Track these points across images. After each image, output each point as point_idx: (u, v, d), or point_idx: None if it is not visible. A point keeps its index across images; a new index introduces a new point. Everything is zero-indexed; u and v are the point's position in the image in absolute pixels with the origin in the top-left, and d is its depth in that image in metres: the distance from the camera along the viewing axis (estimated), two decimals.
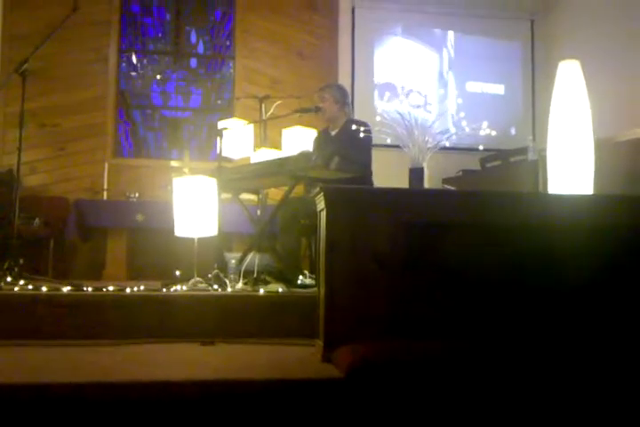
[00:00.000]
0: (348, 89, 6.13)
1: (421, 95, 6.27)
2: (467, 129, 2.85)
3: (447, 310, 2.24)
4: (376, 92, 6.33)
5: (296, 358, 2.26)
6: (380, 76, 6.39)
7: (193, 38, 6.62)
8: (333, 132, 4.22)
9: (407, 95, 6.05)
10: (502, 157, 4.95)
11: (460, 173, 5.45)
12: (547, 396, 1.90)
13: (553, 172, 2.85)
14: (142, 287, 3.03)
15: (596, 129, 2.87)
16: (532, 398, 1.89)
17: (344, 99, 4.22)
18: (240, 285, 3.19)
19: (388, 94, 5.23)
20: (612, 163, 3.42)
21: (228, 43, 6.60)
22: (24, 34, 5.59)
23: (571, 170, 2.79)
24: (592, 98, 2.87)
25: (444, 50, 6.55)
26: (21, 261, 3.36)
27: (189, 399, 1.79)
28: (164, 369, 2.01)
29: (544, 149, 3.20)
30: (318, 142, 4.28)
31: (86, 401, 1.75)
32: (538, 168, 4.04)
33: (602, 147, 3.03)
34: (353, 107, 5.03)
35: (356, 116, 4.71)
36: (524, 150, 4.62)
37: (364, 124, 3.61)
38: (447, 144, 2.83)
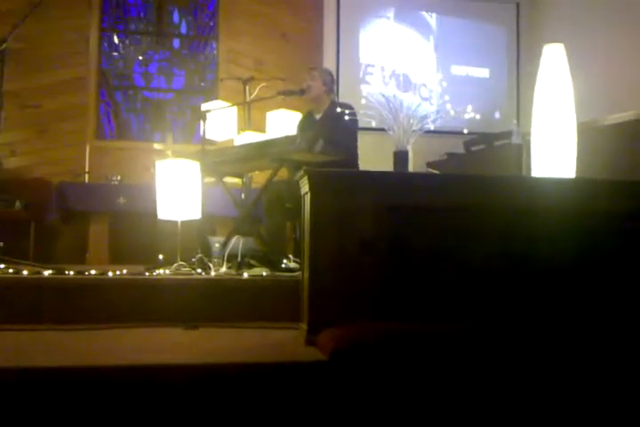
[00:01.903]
0: (333, 71, 6.11)
1: (407, 78, 6.24)
2: (451, 112, 2.84)
3: (431, 293, 2.25)
4: (361, 75, 6.29)
5: (280, 342, 2.26)
6: (365, 59, 6.34)
7: (176, 18, 6.53)
8: (318, 116, 4.20)
9: (391, 78, 6.03)
10: (486, 141, 4.97)
11: (445, 156, 5.46)
12: (531, 374, 1.92)
13: (536, 155, 2.86)
14: (125, 271, 3.01)
15: (579, 113, 2.88)
16: (515, 378, 1.91)
17: (331, 84, 4.22)
18: (224, 269, 3.18)
19: (372, 77, 5.21)
20: (595, 147, 3.44)
21: (211, 23, 6.52)
22: (2, 12, 5.47)
23: (554, 153, 2.80)
24: (575, 82, 2.87)
25: (429, 33, 6.52)
26: (1, 244, 3.32)
27: (173, 383, 1.79)
28: (146, 353, 2.01)
29: (528, 133, 3.21)
30: (302, 125, 4.25)
31: (66, 385, 1.74)
32: (522, 152, 4.07)
33: (584, 131, 3.04)
34: (338, 90, 5.01)
35: (341, 99, 4.68)
36: (508, 134, 4.64)
37: (350, 107, 3.59)
38: (432, 127, 2.82)
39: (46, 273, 2.87)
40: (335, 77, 4.56)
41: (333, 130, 3.78)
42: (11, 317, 2.56)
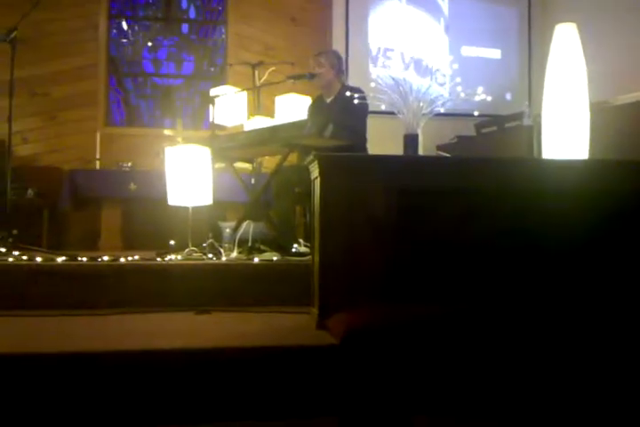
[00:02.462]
0: (343, 55, 6.05)
1: (417, 61, 6.18)
2: (462, 94, 2.81)
3: (441, 276, 2.25)
4: (370, 59, 6.24)
5: (291, 326, 2.27)
6: (374, 42, 6.29)
7: (184, 3, 6.50)
8: (328, 100, 4.17)
9: (402, 61, 5.97)
10: (497, 123, 4.92)
11: (455, 139, 5.42)
12: (540, 354, 1.92)
13: (548, 137, 2.83)
14: (137, 257, 3.03)
15: (592, 93, 2.84)
16: (527, 359, 1.91)
17: (340, 65, 4.17)
18: (235, 253, 3.19)
19: (382, 60, 5.16)
20: (607, 127, 3.40)
21: (219, 8, 6.48)
22: (11, 1, 5.46)
23: (566, 135, 2.77)
24: (588, 62, 2.83)
25: (440, 14, 6.44)
26: (15, 231, 3.35)
27: (185, 368, 1.80)
28: (158, 338, 2.02)
29: (539, 115, 3.18)
30: (313, 110, 4.23)
31: (79, 370, 1.76)
32: (533, 133, 4.02)
33: (597, 111, 3.00)
34: (347, 73, 4.98)
35: (351, 83, 4.65)
36: (519, 116, 4.59)
37: (360, 91, 3.56)
38: (442, 110, 2.79)
39: (59, 260, 2.90)
40: (344, 59, 4.51)
41: (343, 114, 3.76)
42: (24, 303, 2.59)
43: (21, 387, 1.73)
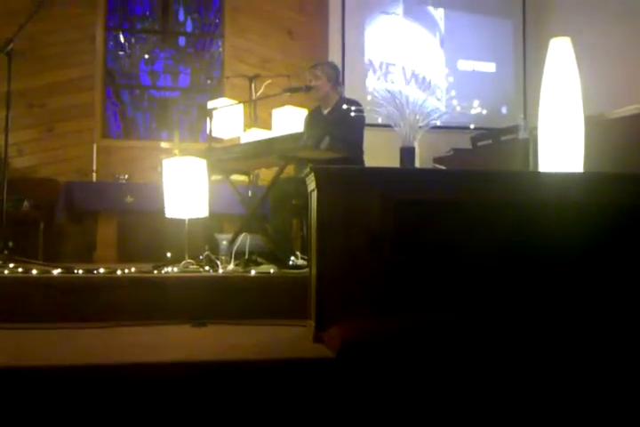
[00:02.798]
0: (339, 68, 6.08)
1: (413, 74, 6.22)
2: (458, 108, 2.83)
3: (439, 288, 2.25)
4: (366, 72, 6.28)
5: (288, 339, 2.26)
6: (371, 55, 6.33)
7: (181, 16, 6.53)
8: (325, 111, 4.19)
9: (397, 74, 6.01)
10: (493, 136, 4.94)
11: (451, 151, 5.43)
12: (538, 367, 1.91)
13: (544, 150, 2.84)
14: (133, 269, 3.02)
15: (586, 107, 2.86)
16: (525, 372, 1.91)
17: (336, 77, 4.19)
18: (231, 266, 3.19)
19: (378, 73, 5.19)
20: (602, 141, 3.41)
21: (216, 21, 6.52)
22: (8, 12, 5.48)
23: (561, 148, 2.78)
24: (582, 76, 2.85)
25: (436, 28, 6.49)
26: (11, 244, 3.33)
27: (181, 381, 1.79)
28: (155, 351, 2.02)
29: (535, 128, 3.19)
30: (309, 121, 4.25)
31: (76, 383, 1.75)
32: (529, 147, 4.04)
33: (592, 125, 3.02)
34: (344, 85, 5.00)
35: (347, 95, 4.67)
36: (514, 129, 4.61)
37: (357, 104, 3.58)
38: (438, 123, 2.81)
39: (55, 272, 2.89)
40: (340, 71, 4.53)
41: (340, 126, 3.77)
42: (20, 315, 2.57)
43: (12, 401, 1.72)
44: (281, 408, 1.83)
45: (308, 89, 4.08)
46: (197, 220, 3.54)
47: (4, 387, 1.72)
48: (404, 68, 6.24)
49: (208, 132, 3.63)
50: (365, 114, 3.35)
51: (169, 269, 3.13)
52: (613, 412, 1.90)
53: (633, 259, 2.36)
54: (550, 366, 1.93)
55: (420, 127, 2.76)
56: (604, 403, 1.91)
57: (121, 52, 6.39)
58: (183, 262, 3.27)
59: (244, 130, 4.65)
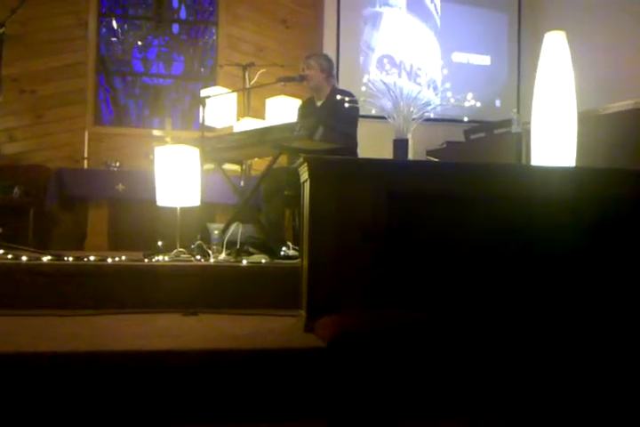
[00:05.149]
0: (333, 58, 6.05)
1: (408, 66, 6.21)
2: (452, 100, 2.83)
3: (430, 280, 2.26)
4: (361, 62, 6.26)
5: (279, 329, 2.27)
6: (365, 45, 6.31)
7: (175, 3, 6.49)
8: (319, 103, 4.18)
9: (392, 65, 5.99)
10: (486, 129, 4.95)
11: (445, 144, 5.45)
12: (527, 360, 1.93)
13: (536, 144, 2.85)
14: (124, 257, 3.02)
15: (580, 102, 2.86)
16: (512, 365, 1.92)
17: (330, 69, 4.18)
18: (223, 255, 3.18)
19: (373, 64, 5.18)
20: (595, 135, 3.43)
21: (210, 8, 6.47)
22: None
23: (554, 142, 2.79)
24: (577, 70, 2.86)
25: (431, 19, 6.48)
26: (0, 230, 3.32)
27: (171, 369, 1.79)
28: (145, 339, 2.01)
29: (528, 122, 3.20)
30: (303, 111, 4.24)
31: (65, 371, 1.74)
32: (521, 140, 4.05)
33: (585, 120, 3.03)
34: (338, 77, 4.98)
35: (341, 86, 4.66)
36: (508, 122, 4.62)
37: (350, 95, 3.57)
38: (432, 115, 2.81)
39: (45, 259, 2.88)
40: (335, 62, 4.51)
41: (334, 117, 3.76)
42: (10, 302, 2.56)
43: (4, 387, 1.71)
44: (272, 397, 1.84)
45: (302, 79, 4.07)
46: (189, 209, 3.53)
47: None
48: (399, 60, 6.23)
49: (201, 120, 3.61)
50: (359, 105, 3.34)
51: (160, 257, 3.12)
52: (612, 411, 1.92)
53: (623, 253, 2.37)
54: (536, 358, 1.94)
55: (414, 119, 2.76)
56: (602, 400, 1.92)
57: (114, 39, 6.34)
58: (174, 251, 3.26)
59: (237, 119, 4.63)
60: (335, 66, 4.37)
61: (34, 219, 5.20)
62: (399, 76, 5.89)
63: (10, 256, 2.93)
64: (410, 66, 6.20)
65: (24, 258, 2.85)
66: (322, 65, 4.12)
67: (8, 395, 1.71)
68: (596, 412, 1.90)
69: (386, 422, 1.81)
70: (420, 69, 6.19)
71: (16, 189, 5.12)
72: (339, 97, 3.34)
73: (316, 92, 4.19)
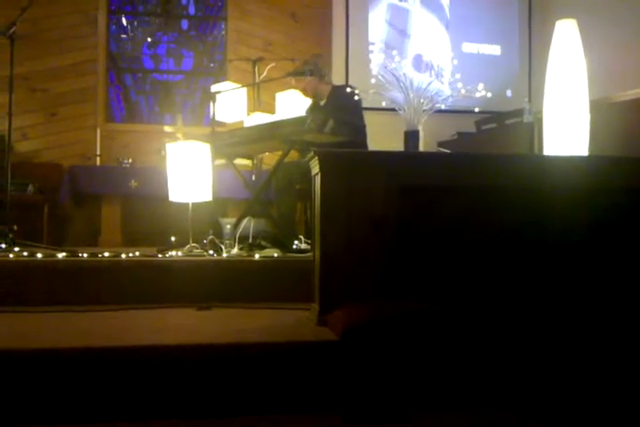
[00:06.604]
0: (342, 52, 6.05)
1: (418, 57, 6.17)
2: (462, 91, 2.81)
3: (442, 272, 2.25)
4: (371, 55, 6.23)
5: (292, 322, 2.27)
6: (375, 38, 6.27)
7: None
8: (322, 103, 4.17)
9: (402, 57, 5.96)
10: (498, 120, 4.91)
11: (456, 135, 5.41)
12: (537, 350, 1.92)
13: (548, 133, 2.83)
14: (137, 253, 3.04)
15: (591, 90, 2.84)
16: (525, 353, 1.92)
17: (319, 71, 4.12)
18: (235, 250, 3.19)
19: (383, 56, 5.14)
20: (607, 124, 3.39)
21: (219, 3, 6.47)
22: None
23: (566, 131, 2.77)
24: (588, 58, 2.83)
25: (441, 10, 6.43)
26: (15, 227, 3.35)
27: (185, 363, 1.81)
28: (160, 334, 2.03)
29: (540, 111, 3.18)
30: (312, 109, 4.23)
31: (82, 366, 1.76)
32: (533, 130, 4.02)
33: (597, 108, 3.00)
34: (347, 71, 4.96)
35: (351, 79, 4.65)
36: (519, 112, 4.58)
37: (350, 87, 3.57)
38: (442, 106, 2.79)
39: (60, 256, 2.90)
40: (318, 61, 4.42)
41: (342, 110, 3.76)
42: (25, 299, 2.59)
43: (18, 383, 1.73)
44: (285, 391, 1.85)
45: (312, 73, 4.05)
46: (201, 204, 3.54)
47: (7, 369, 1.73)
48: (409, 52, 6.19)
49: (211, 115, 3.62)
50: (369, 98, 3.33)
51: (173, 253, 3.14)
52: (609, 405, 1.91)
53: (637, 242, 2.35)
54: (548, 349, 1.94)
55: (425, 111, 2.74)
56: (600, 395, 1.92)
57: (123, 36, 6.36)
58: (187, 246, 3.28)
59: (248, 114, 4.63)
60: (319, 64, 4.25)
61: (48, 216, 5.24)
62: (413, 68, 5.86)
63: (25, 253, 2.95)
64: (420, 58, 6.16)
65: (39, 255, 2.87)
66: (306, 72, 4.05)
67: (25, 389, 1.73)
68: (603, 401, 1.89)
69: (399, 415, 1.81)
70: (430, 61, 6.15)
71: (30, 187, 5.16)
72: (349, 90, 3.34)
73: (317, 97, 4.17)
